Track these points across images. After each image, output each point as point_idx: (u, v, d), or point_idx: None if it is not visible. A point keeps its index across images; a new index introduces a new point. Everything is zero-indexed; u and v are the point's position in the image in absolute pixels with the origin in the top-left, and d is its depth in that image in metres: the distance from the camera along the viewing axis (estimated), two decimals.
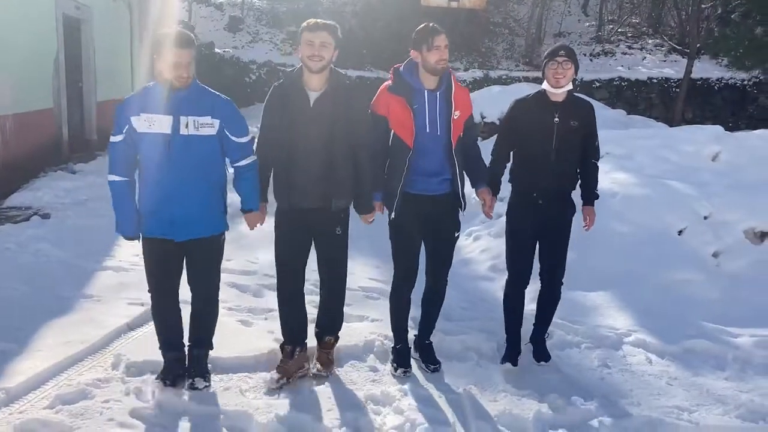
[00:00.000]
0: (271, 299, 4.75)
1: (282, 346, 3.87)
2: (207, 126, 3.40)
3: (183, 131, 3.35)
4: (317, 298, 4.05)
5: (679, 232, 6.09)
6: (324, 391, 3.66)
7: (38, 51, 9.30)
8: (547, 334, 4.32)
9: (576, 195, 4.20)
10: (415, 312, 4.26)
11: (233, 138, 3.49)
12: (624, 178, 6.98)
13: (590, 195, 4.21)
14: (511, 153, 4.16)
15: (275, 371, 3.74)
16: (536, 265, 4.24)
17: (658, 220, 6.18)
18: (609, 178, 7.04)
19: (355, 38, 20.52)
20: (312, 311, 4.04)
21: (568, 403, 3.67)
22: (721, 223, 6.14)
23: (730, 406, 3.75)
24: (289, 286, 3.83)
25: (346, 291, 5.34)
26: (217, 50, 19.45)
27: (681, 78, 17.66)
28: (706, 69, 19.00)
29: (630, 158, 7.61)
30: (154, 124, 3.34)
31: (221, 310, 4.55)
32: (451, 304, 5.09)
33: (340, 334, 4.36)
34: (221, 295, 4.86)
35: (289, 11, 21.88)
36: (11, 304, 4.61)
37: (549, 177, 3.99)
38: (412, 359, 4.06)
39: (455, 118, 3.77)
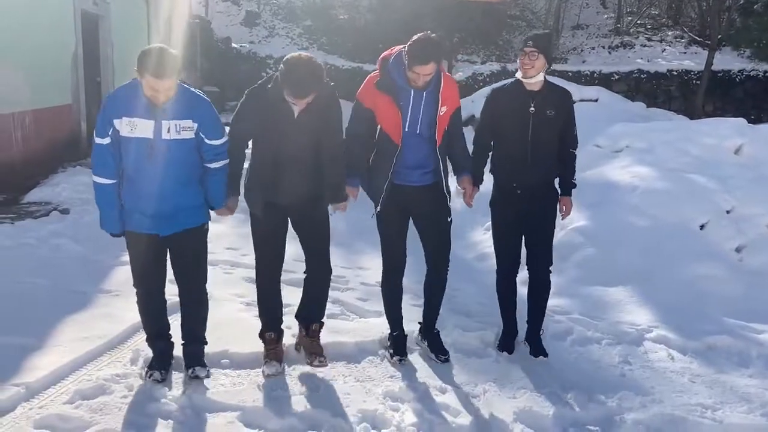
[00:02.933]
0: (288, 295, 4.73)
1: (264, 335, 3.85)
2: (187, 129, 3.39)
3: (165, 136, 3.34)
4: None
5: (701, 227, 6.00)
6: (342, 387, 3.64)
7: (57, 47, 9.36)
8: (542, 330, 4.23)
9: None
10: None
11: (207, 141, 3.47)
12: (644, 172, 6.89)
13: (567, 185, 4.18)
14: (492, 143, 4.15)
15: (271, 360, 3.74)
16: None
17: (679, 214, 6.09)
18: (629, 171, 6.96)
19: (370, 33, 20.47)
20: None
21: (589, 400, 3.63)
22: (744, 217, 6.05)
23: (755, 404, 3.68)
24: (270, 276, 3.83)
25: (362, 286, 5.36)
26: (233, 45, 19.51)
27: (701, 70, 17.42)
28: (728, 61, 18.73)
29: (650, 152, 7.51)
30: (136, 128, 3.32)
31: (240, 305, 4.57)
32: (469, 300, 5.07)
33: (356, 329, 4.35)
34: (238, 290, 4.88)
35: (306, 6, 21.87)
36: (31, 298, 4.64)
37: (527, 168, 3.98)
38: (419, 348, 4.09)
39: (441, 114, 3.73)
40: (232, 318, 4.22)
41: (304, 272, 3.93)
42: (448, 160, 3.91)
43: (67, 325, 4.20)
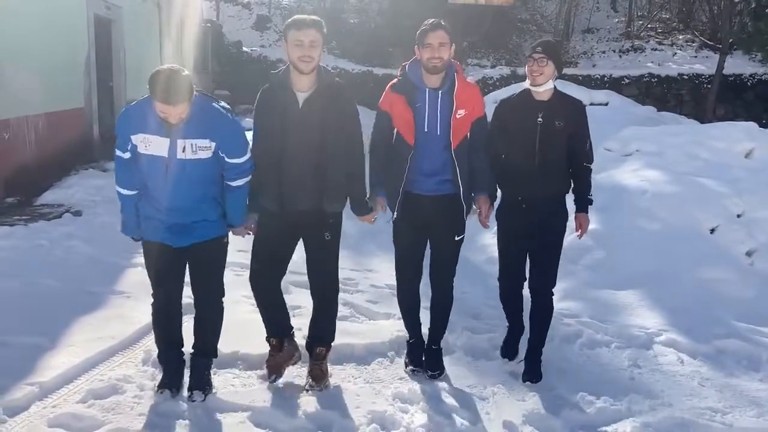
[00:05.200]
0: (299, 296, 4.77)
1: (268, 340, 3.77)
2: (204, 149, 3.29)
3: (180, 155, 3.25)
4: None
5: (711, 231, 5.99)
6: (352, 389, 3.67)
7: (70, 51, 9.45)
8: (541, 358, 3.97)
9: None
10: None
11: (228, 159, 3.37)
12: (654, 176, 6.89)
13: (583, 201, 3.95)
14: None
15: (266, 367, 3.71)
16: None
17: (689, 218, 6.08)
18: (639, 175, 6.96)
19: (381, 37, 20.54)
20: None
21: (598, 403, 3.62)
22: (755, 221, 6.03)
23: (765, 408, 3.67)
24: (267, 285, 3.72)
25: (372, 288, 5.38)
26: (244, 49, 19.63)
27: (712, 74, 17.36)
28: (739, 65, 18.66)
29: (660, 155, 7.50)
30: (150, 145, 3.25)
31: (250, 307, 4.59)
32: (478, 303, 5.08)
33: (365, 331, 4.36)
34: (248, 292, 4.88)
35: (316, 10, 21.95)
36: (44, 299, 4.69)
37: (533, 181, 3.81)
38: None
39: (458, 117, 3.65)
40: (243, 319, 4.25)
41: (311, 294, 3.81)
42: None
43: (79, 325, 4.25)
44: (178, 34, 14.25)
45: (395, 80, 3.75)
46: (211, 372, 3.65)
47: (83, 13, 9.84)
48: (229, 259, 5.69)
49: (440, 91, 3.65)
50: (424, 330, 4.02)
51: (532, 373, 3.91)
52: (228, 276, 5.26)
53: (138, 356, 3.88)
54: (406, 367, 3.93)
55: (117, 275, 5.35)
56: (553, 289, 3.97)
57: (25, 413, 3.20)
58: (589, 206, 3.97)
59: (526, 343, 4.06)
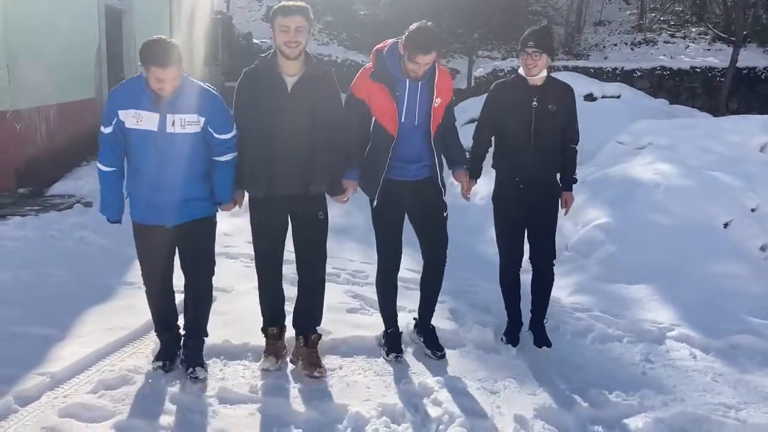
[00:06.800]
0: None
1: (265, 330, 3.82)
2: (193, 124, 3.39)
3: (169, 129, 3.35)
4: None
5: (725, 225, 5.92)
6: (362, 381, 3.65)
7: (81, 42, 9.46)
8: (545, 319, 4.27)
9: None
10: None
11: (216, 135, 3.46)
12: (667, 169, 6.81)
13: (569, 180, 4.22)
14: (493, 138, 4.20)
15: (269, 356, 3.73)
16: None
17: (702, 212, 6.02)
18: (651, 168, 6.89)
19: (391, 29, 20.45)
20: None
21: (610, 398, 3.60)
22: None
23: None
24: (270, 272, 3.78)
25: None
26: (254, 40, 19.61)
27: (725, 67, 17.22)
28: (753, 57, 18.50)
29: (673, 149, 7.43)
30: (141, 120, 3.34)
31: (258, 299, 4.59)
32: (489, 296, 5.05)
33: (376, 323, 4.34)
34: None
35: (326, 1, 21.91)
36: (55, 290, 4.71)
37: (529, 161, 4.01)
38: (414, 344, 4.10)
39: (436, 106, 3.72)
40: (253, 310, 4.24)
41: (299, 276, 3.83)
42: (442, 154, 3.91)
43: (90, 316, 4.26)
44: (189, 26, 14.26)
45: (370, 66, 3.73)
46: (221, 362, 3.73)
47: (94, 4, 9.85)
48: (238, 250, 5.77)
49: (420, 82, 3.67)
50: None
51: (542, 339, 4.17)
52: (237, 267, 5.31)
53: (148, 347, 3.88)
54: (387, 355, 3.93)
55: (127, 266, 5.34)
56: (553, 261, 4.22)
57: (36, 403, 3.22)
58: (574, 184, 4.24)
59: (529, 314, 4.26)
